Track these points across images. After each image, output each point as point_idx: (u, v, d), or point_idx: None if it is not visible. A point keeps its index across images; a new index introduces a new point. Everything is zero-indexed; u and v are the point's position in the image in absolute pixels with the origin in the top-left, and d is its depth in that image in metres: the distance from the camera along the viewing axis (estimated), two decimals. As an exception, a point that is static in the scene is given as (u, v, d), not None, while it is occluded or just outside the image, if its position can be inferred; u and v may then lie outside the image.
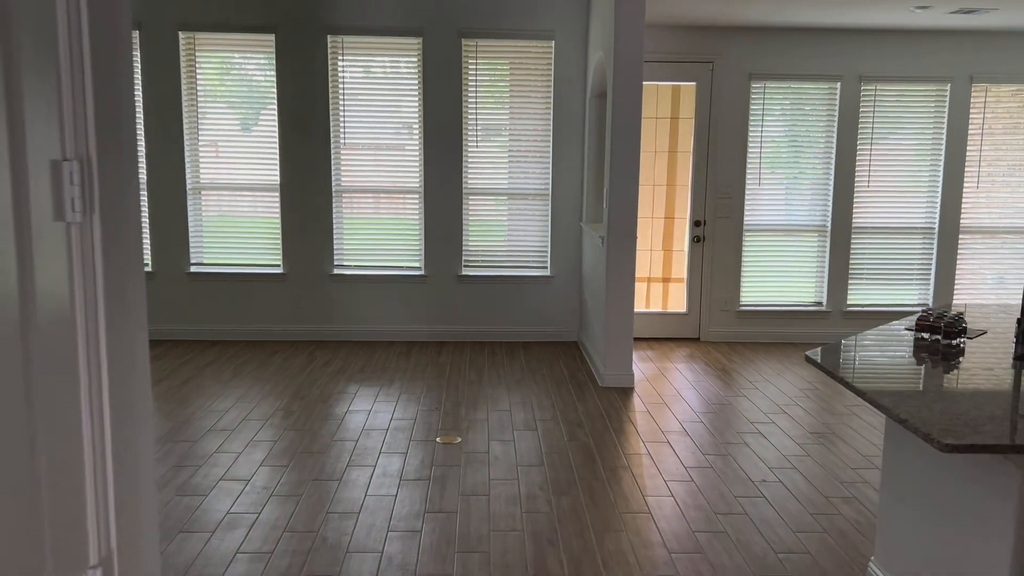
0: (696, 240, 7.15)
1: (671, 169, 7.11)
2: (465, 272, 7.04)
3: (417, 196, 6.97)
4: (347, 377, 5.90)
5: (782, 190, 7.16)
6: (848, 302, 7.27)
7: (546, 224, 7.02)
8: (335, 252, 6.99)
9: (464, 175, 6.93)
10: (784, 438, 4.77)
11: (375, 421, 4.95)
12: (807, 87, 7.03)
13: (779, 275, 7.28)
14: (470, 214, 7.00)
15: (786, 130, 7.09)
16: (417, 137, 6.87)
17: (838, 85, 7.01)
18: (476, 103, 6.85)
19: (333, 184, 6.90)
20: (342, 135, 6.84)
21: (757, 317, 7.25)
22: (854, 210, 7.19)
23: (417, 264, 7.05)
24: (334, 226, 6.96)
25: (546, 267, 7.07)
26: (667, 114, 7.02)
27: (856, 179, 7.17)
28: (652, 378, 6.03)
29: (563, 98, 6.84)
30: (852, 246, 7.22)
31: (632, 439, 4.70)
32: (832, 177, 7.14)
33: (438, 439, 4.63)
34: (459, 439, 4.63)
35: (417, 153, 6.90)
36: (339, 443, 4.56)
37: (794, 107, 7.06)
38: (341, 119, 6.81)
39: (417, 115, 6.85)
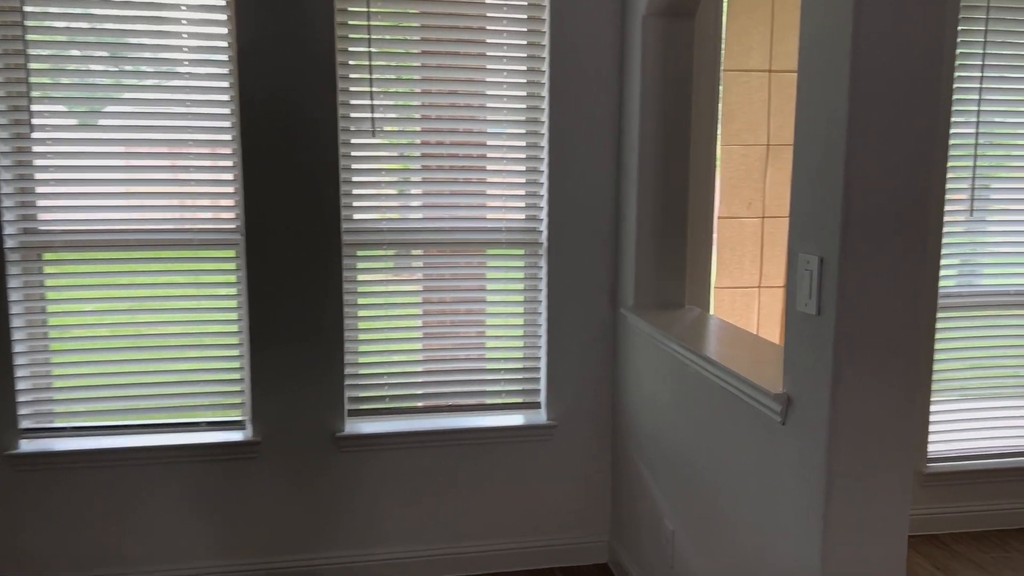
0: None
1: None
2: (351, 429, 3.07)
3: (235, 246, 2.95)
4: None
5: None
6: None
7: (538, 308, 3.13)
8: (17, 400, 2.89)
9: (344, 210, 2.96)
10: None
11: None
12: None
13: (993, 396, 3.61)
14: (359, 288, 3.03)
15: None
16: (231, 133, 2.87)
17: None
18: (370, 63, 2.88)
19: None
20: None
21: (955, 482, 3.55)
22: None
23: (237, 416, 3.03)
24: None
25: (538, 405, 3.18)
26: (790, 64, 3.24)
27: None
28: None
29: (570, 45, 2.96)
30: None
31: None
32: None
33: None
34: None
35: (232, 157, 2.90)
36: None
37: None
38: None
39: (229, 83, 2.84)
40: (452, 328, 3.10)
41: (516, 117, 2.99)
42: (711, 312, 2.98)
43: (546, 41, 2.96)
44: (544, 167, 3.03)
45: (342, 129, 2.90)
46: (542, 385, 3.16)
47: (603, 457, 3.21)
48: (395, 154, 2.96)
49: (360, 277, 3.01)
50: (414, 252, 3.05)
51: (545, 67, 2.97)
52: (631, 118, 2.89)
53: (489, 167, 3.02)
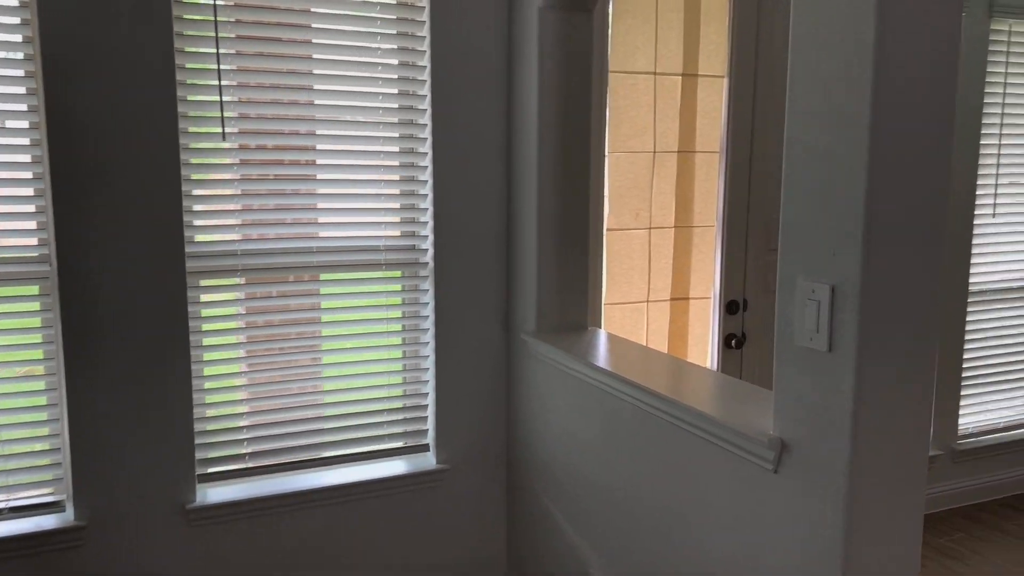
0: (731, 343, 3.30)
1: (682, 192, 3.17)
2: (203, 498, 2.52)
3: (41, 280, 2.31)
4: None
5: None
6: None
7: (422, 336, 2.73)
8: None
9: (188, 231, 2.41)
10: None
11: None
12: None
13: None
14: (207, 326, 2.49)
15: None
16: (28, 137, 2.24)
17: None
18: (217, 51, 2.35)
19: None
20: None
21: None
22: None
23: (52, 495, 2.39)
24: None
25: (426, 448, 2.79)
26: (674, 67, 3.07)
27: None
28: None
29: (453, 41, 2.59)
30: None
31: None
32: None
33: None
34: None
35: (32, 168, 2.26)
36: None
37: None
38: None
39: (27, 87, 2.21)
40: (320, 366, 2.64)
41: (389, 119, 2.58)
42: (603, 330, 2.75)
43: (425, 32, 2.57)
44: (427, 176, 2.65)
45: (183, 131, 2.35)
46: (430, 424, 2.77)
47: (502, 499, 2.88)
48: (237, 161, 2.45)
49: (208, 312, 2.47)
50: (272, 279, 2.55)
51: (425, 62, 2.59)
52: (526, 122, 2.58)
53: (358, 177, 2.58)
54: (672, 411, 1.94)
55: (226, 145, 2.40)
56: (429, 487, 2.75)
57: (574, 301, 2.65)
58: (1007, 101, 3.68)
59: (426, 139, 2.63)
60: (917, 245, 1.49)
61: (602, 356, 2.33)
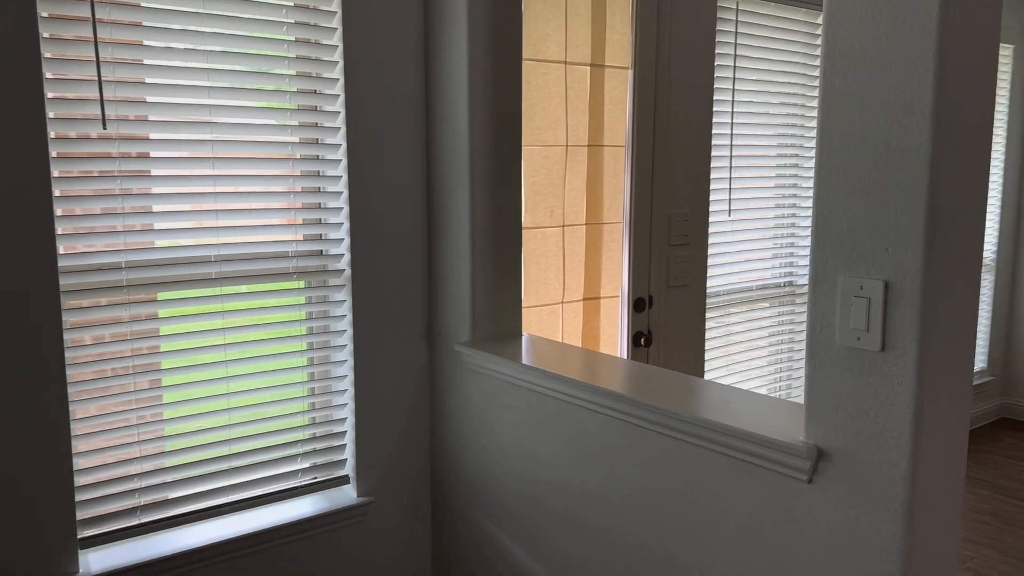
0: (640, 342, 3.22)
1: (592, 188, 3.03)
2: (87, 567, 2.06)
3: None
4: None
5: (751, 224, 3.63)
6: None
7: (336, 355, 2.40)
8: None
9: (62, 242, 1.94)
10: None
11: None
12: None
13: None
14: (85, 353, 2.03)
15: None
16: None
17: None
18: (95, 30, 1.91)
19: None
20: None
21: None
22: None
23: None
24: None
25: (346, 480, 2.46)
26: (583, 57, 2.92)
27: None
28: None
29: (365, 25, 2.30)
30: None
31: None
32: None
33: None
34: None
35: None
36: None
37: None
38: None
39: None
40: (220, 397, 2.24)
41: (288, 105, 2.23)
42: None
43: (336, 7, 2.25)
44: (341, 171, 2.33)
45: (53, 119, 1.89)
46: (348, 453, 2.45)
47: (428, 531, 2.60)
48: (116, 153, 2.02)
49: (89, 338, 2.01)
50: (160, 295, 2.13)
51: (336, 40, 2.27)
52: (454, 112, 2.33)
53: (251, 172, 2.21)
54: (670, 423, 1.78)
55: (111, 134, 1.96)
56: (352, 524, 2.43)
57: (509, 307, 2.43)
58: (737, 87, 3.42)
59: (339, 128, 2.30)
60: (965, 239, 1.43)
61: (558, 364, 2.13)
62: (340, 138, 2.30)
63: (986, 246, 5.18)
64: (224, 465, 2.24)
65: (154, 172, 2.05)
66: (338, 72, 2.28)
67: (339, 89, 2.28)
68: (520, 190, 2.41)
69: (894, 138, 1.38)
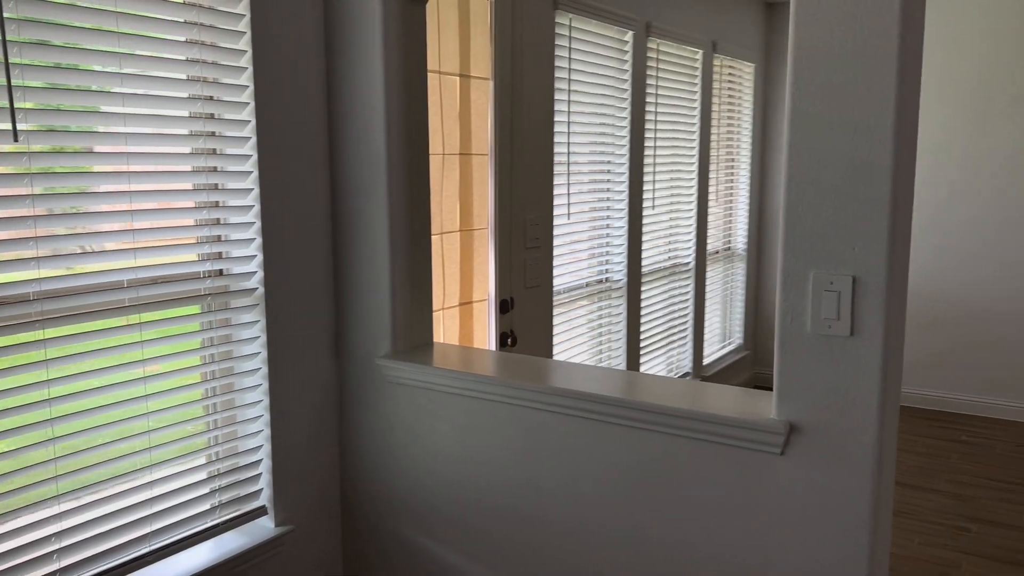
0: (506, 342, 3.33)
1: (464, 196, 3.07)
2: (1, 643, 1.76)
3: None
4: None
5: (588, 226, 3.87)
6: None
7: (243, 381, 2.24)
8: None
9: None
10: None
11: None
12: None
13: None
14: (-12, 411, 1.73)
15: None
16: None
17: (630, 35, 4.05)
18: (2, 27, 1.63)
19: None
20: None
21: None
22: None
23: None
24: None
25: (263, 512, 2.30)
26: (452, 67, 2.96)
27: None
28: None
29: (271, 35, 2.17)
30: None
31: None
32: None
33: None
34: None
35: None
36: None
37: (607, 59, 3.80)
38: None
39: None
40: (117, 442, 2.01)
41: (179, 112, 2.06)
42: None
43: (244, 9, 2.11)
44: (252, 183, 2.18)
45: (-60, 126, 1.59)
46: (264, 482, 2.30)
47: (352, 553, 2.51)
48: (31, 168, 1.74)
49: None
50: (44, 329, 1.87)
51: (245, 45, 2.12)
52: (367, 120, 2.28)
53: (143, 188, 2.00)
54: (634, 415, 1.92)
55: (12, 148, 1.68)
56: (272, 558, 2.29)
57: (424, 316, 2.43)
58: (572, 99, 3.64)
59: (248, 138, 2.16)
60: (907, 242, 1.72)
61: (491, 368, 2.19)
62: (250, 148, 2.16)
63: (739, 239, 5.95)
64: (144, 512, 2.01)
65: (102, 187, 1.80)
66: (246, 79, 2.13)
67: (248, 96, 2.14)
68: (429, 197, 2.42)
69: (859, 154, 1.63)
